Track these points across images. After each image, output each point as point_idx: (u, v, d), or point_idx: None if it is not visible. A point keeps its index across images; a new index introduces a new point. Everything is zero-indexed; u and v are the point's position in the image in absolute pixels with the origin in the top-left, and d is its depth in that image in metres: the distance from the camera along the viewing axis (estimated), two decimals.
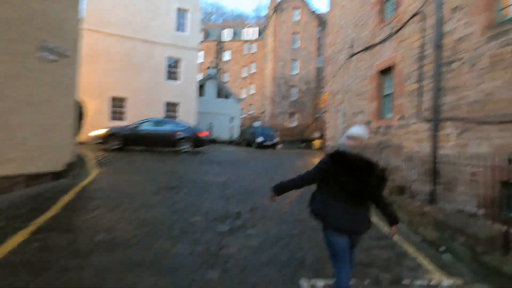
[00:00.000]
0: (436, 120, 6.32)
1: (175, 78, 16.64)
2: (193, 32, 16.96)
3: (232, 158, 11.84)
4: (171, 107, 16.46)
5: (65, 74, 5.64)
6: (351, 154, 2.35)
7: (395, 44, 8.04)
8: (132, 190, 5.65)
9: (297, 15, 33.19)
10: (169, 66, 16.42)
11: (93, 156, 8.48)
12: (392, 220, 2.43)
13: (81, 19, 6.31)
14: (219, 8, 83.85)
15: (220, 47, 42.04)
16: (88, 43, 14.45)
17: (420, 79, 6.99)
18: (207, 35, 43.68)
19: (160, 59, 15.99)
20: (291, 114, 32.50)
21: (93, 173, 6.60)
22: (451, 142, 5.96)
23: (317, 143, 21.66)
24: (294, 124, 32.39)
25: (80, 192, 5.18)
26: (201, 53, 41.77)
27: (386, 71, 8.68)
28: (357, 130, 2.43)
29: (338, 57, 12.05)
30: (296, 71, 32.66)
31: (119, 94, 15.10)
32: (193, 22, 16.94)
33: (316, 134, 29.60)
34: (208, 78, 24.31)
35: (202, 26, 44.96)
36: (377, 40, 8.97)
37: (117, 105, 15.21)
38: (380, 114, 8.95)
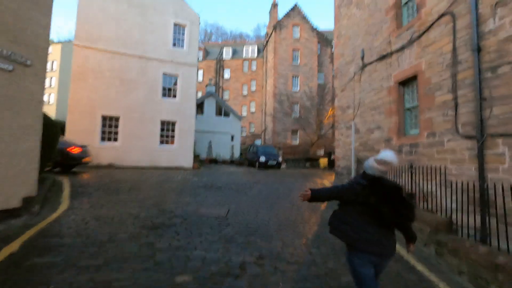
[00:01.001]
0: (481, 136, 5.15)
1: (171, 95, 15.69)
2: (191, 48, 16.20)
3: (232, 182, 10.58)
4: (167, 125, 15.40)
5: (23, 88, 4.54)
6: (386, 180, 2.40)
7: (418, 50, 7.02)
8: (104, 232, 4.38)
9: (297, 32, 32.95)
10: (165, 84, 15.51)
11: (69, 184, 7.25)
12: (412, 238, 2.41)
13: (50, 24, 5.27)
14: (219, 28, 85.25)
15: (220, 65, 41.75)
16: (78, 59, 13.67)
17: (454, 89, 5.90)
18: (206, 54, 43.58)
19: (155, 75, 15.12)
20: (294, 132, 31.46)
21: (61, 208, 5.36)
22: (506, 163, 4.77)
23: (323, 161, 20.40)
24: (296, 142, 31.29)
25: (32, 240, 3.93)
26: (201, 72, 41.42)
27: (407, 81, 7.63)
28: (389, 155, 2.39)
29: (347, 69, 11.08)
30: (297, 88, 31.97)
31: (110, 112, 14.07)
32: (191, 37, 16.22)
33: (321, 152, 28.43)
34: (207, 95, 23.47)
35: (202, 45, 45.00)
36: (394, 48, 7.99)
37: (109, 124, 14.14)
38: (401, 130, 7.80)
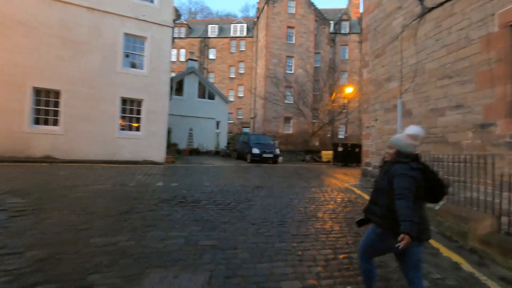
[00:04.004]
0: None
1: (137, 66, 11.77)
2: (163, 2, 12.21)
3: (218, 189, 7.03)
4: (130, 105, 11.54)
5: None
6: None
7: None
8: None
9: (292, 8, 29.07)
10: (128, 49, 11.54)
11: None
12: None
13: None
14: (204, 8, 79.36)
15: (204, 44, 37.31)
16: None
17: None
18: (190, 31, 38.95)
19: (114, 36, 11.11)
20: (286, 119, 28.03)
21: None
22: None
23: (326, 154, 17.17)
24: (290, 130, 27.91)
25: None
26: (183, 51, 36.88)
27: None
28: (418, 129, 2.38)
29: (387, 24, 7.64)
30: (291, 70, 28.36)
31: (47, 84, 10.06)
32: None
33: (316, 143, 25.27)
34: (188, 72, 19.47)
35: (184, 21, 40.21)
36: None
37: (45, 102, 10.14)
38: None
